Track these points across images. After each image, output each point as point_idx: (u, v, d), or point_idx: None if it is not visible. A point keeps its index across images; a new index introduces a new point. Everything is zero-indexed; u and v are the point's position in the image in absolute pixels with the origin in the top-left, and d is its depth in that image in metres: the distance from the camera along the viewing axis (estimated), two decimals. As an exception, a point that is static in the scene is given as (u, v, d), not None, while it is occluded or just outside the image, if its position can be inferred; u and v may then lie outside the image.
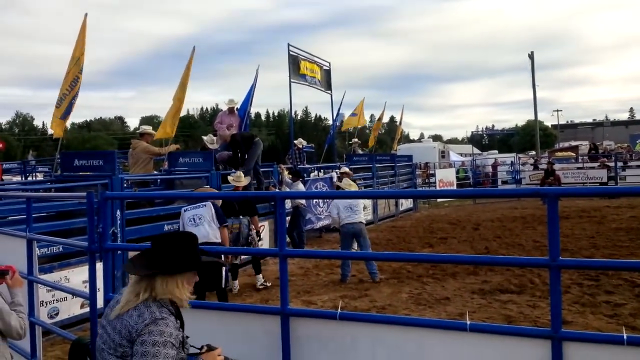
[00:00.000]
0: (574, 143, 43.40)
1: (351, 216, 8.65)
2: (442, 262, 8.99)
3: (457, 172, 25.03)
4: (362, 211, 9.01)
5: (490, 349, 2.44)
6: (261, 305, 6.27)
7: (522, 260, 6.32)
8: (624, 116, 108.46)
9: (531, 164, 25.75)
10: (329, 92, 16.09)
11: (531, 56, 36.56)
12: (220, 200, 7.31)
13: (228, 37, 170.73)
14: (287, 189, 10.98)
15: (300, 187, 11.32)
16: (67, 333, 4.36)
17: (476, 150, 42.37)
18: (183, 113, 13.91)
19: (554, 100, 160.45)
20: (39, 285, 4.51)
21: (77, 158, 8.19)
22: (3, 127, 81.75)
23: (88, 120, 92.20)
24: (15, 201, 6.82)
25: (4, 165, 18.19)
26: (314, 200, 12.57)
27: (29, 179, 16.49)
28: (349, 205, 8.68)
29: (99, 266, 3.51)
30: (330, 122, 20.70)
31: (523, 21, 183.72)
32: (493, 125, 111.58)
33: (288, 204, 10.62)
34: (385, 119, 34.78)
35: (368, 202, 14.11)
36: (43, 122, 79.24)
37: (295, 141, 15.06)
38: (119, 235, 7.15)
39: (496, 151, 46.59)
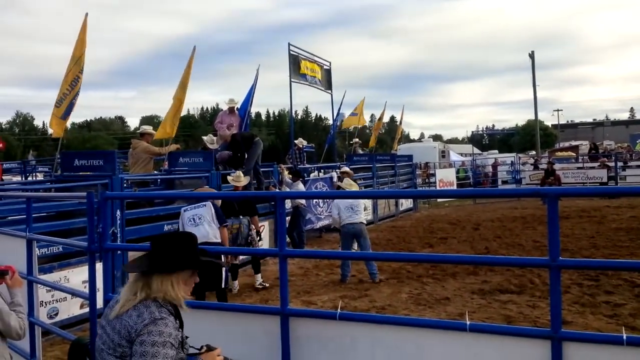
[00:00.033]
0: (574, 143, 43.40)
1: (352, 216, 8.64)
2: (442, 262, 8.99)
3: (457, 172, 25.03)
4: (362, 211, 9.00)
5: (490, 349, 2.44)
6: (261, 305, 6.28)
7: (522, 261, 6.33)
8: (624, 116, 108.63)
9: (531, 164, 25.75)
10: (330, 91, 16.09)
11: (532, 56, 36.55)
12: (220, 200, 7.31)
13: (228, 37, 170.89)
14: (287, 189, 10.98)
15: (300, 187, 11.32)
16: (67, 333, 4.36)
17: (476, 150, 42.39)
18: (183, 113, 13.91)
19: (554, 100, 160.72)
20: (39, 285, 4.51)
21: (77, 158, 8.18)
22: (3, 127, 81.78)
23: (88, 120, 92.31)
24: (15, 201, 6.82)
25: (4, 165, 18.19)
26: (314, 200, 12.56)
27: (29, 179, 16.48)
28: (350, 206, 8.67)
29: (99, 266, 3.51)
30: (331, 121, 20.71)
31: (523, 21, 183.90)
32: (493, 125, 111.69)
33: (288, 204, 10.61)
34: (386, 119, 34.80)
35: (368, 203, 14.11)
36: (43, 122, 79.31)
37: (295, 141, 15.06)
38: (118, 235, 7.15)
39: (496, 151, 46.60)
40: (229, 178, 8.73)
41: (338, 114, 19.22)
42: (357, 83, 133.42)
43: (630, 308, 6.56)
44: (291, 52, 13.84)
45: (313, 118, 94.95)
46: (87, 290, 3.67)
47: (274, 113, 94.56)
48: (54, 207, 7.22)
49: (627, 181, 21.36)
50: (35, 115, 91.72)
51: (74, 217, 7.19)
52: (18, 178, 17.35)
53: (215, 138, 11.41)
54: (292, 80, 13.75)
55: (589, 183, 20.89)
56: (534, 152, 38.13)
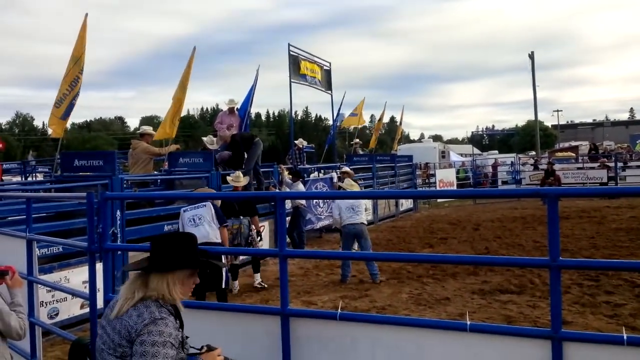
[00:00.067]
0: (574, 143, 43.45)
1: (353, 217, 8.64)
2: (442, 263, 8.98)
3: (457, 172, 25.03)
4: (363, 212, 9.00)
5: (490, 349, 2.44)
6: (261, 305, 6.27)
7: (522, 261, 6.32)
8: (624, 116, 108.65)
9: (531, 164, 25.74)
10: (329, 92, 16.08)
11: (531, 56, 36.55)
12: (220, 201, 7.31)
13: (228, 37, 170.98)
14: (287, 189, 10.98)
15: (300, 187, 11.32)
16: (67, 333, 4.36)
17: (476, 151, 42.40)
18: (183, 113, 13.90)
19: (554, 100, 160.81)
20: (39, 285, 4.51)
21: (77, 158, 8.18)
22: (3, 127, 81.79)
23: (88, 120, 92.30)
24: (15, 201, 6.82)
25: (4, 166, 18.19)
26: (314, 201, 12.57)
27: (29, 179, 16.48)
28: (351, 206, 8.67)
29: (99, 266, 3.50)
30: (331, 122, 20.70)
31: (523, 21, 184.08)
32: (493, 126, 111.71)
33: (288, 204, 10.62)
34: (386, 119, 34.82)
35: (368, 203, 14.11)
36: (43, 122, 79.27)
37: (295, 141, 15.06)
38: (119, 235, 7.15)
39: (496, 151, 46.62)
40: (229, 178, 8.73)
41: (338, 114, 19.22)
42: (357, 83, 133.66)
43: (630, 308, 6.57)
44: (291, 53, 13.84)
45: (313, 118, 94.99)
46: (87, 291, 3.67)
47: (274, 113, 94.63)
48: (54, 208, 7.22)
49: (627, 181, 21.35)
50: (35, 116, 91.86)
51: (74, 217, 7.19)
52: (18, 178, 17.36)
53: (215, 139, 11.41)
54: (292, 80, 13.75)
55: (589, 183, 20.89)
56: (533, 153, 38.13)
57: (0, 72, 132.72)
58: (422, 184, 24.03)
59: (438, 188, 20.58)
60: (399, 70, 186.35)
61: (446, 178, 21.74)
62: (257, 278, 8.53)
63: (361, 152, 19.90)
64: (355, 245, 9.00)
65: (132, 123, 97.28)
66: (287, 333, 2.88)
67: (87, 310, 4.62)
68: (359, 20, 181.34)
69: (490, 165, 27.04)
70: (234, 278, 8.34)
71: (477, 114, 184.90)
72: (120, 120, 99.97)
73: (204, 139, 11.69)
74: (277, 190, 10.66)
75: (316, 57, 15.27)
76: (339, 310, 2.81)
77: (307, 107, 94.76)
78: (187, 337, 2.53)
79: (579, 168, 23.13)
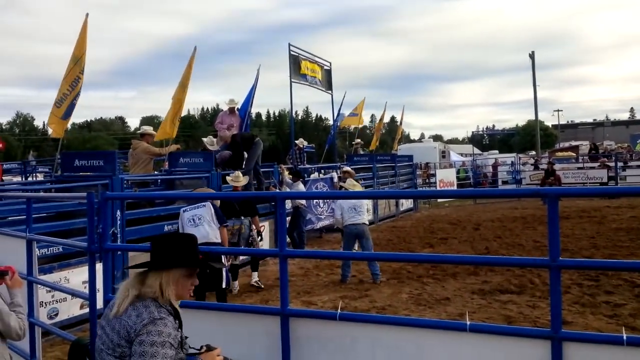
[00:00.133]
0: (574, 143, 43.42)
1: (354, 217, 8.63)
2: (443, 263, 8.98)
3: (458, 172, 25.04)
4: (365, 212, 8.98)
5: (490, 349, 2.43)
6: (261, 305, 6.28)
7: (522, 261, 6.32)
8: (625, 116, 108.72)
9: (531, 164, 25.74)
10: (330, 92, 16.08)
11: (532, 56, 36.54)
12: (219, 201, 7.31)
13: (228, 37, 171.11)
14: (288, 189, 10.98)
15: (300, 187, 11.32)
16: (67, 334, 4.36)
17: (477, 150, 42.43)
18: (183, 113, 13.90)
19: (554, 100, 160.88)
20: (39, 285, 4.51)
21: (77, 158, 8.18)
22: (3, 127, 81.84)
23: (88, 120, 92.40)
24: (15, 201, 6.82)
25: (4, 166, 18.19)
26: (314, 201, 12.56)
27: (29, 179, 16.48)
28: (353, 206, 8.66)
29: (99, 267, 3.51)
30: (331, 122, 20.70)
31: (523, 21, 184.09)
32: (493, 125, 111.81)
33: (288, 204, 10.61)
34: (386, 119, 34.82)
35: (369, 203, 14.10)
36: (43, 122, 79.22)
37: (296, 141, 15.06)
38: (119, 235, 7.15)
39: (497, 151, 46.62)
40: (228, 178, 8.73)
41: (338, 114, 19.22)
42: (357, 83, 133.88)
43: (630, 308, 6.56)
44: (291, 53, 13.84)
45: (313, 118, 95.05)
46: (87, 291, 3.67)
47: (274, 113, 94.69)
48: (54, 208, 7.22)
49: (627, 181, 21.34)
50: (35, 116, 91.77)
51: (74, 217, 7.19)
52: (18, 178, 17.36)
53: (215, 139, 11.41)
54: (293, 80, 13.74)
55: (589, 183, 20.88)
56: (534, 153, 38.11)
57: (0, 72, 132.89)
58: (423, 183, 24.02)
59: (438, 188, 20.57)
60: (399, 70, 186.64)
61: (446, 178, 21.74)
62: (255, 276, 8.53)
63: (362, 152, 19.90)
64: (356, 246, 8.99)
65: (133, 123, 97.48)
66: (287, 333, 2.87)
67: (86, 310, 4.62)
68: (359, 20, 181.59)
69: (491, 165, 27.04)
70: (234, 278, 8.34)
71: (478, 113, 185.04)
72: (121, 120, 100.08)
73: (204, 139, 11.69)
74: (278, 190, 10.66)
75: (316, 57, 15.26)
76: (339, 310, 2.81)
77: (307, 107, 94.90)
78: (186, 337, 2.52)
79: (579, 168, 23.12)
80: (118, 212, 7.23)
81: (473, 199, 20.52)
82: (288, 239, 9.34)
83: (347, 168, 12.08)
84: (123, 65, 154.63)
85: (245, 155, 10.66)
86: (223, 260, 6.91)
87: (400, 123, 28.17)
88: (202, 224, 6.74)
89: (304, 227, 11.44)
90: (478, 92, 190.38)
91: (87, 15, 9.13)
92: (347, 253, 8.27)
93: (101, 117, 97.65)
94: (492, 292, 7.54)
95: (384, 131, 30.66)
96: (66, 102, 8.95)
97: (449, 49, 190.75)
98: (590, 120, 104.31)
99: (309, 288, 8.30)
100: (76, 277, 6.47)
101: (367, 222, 9.02)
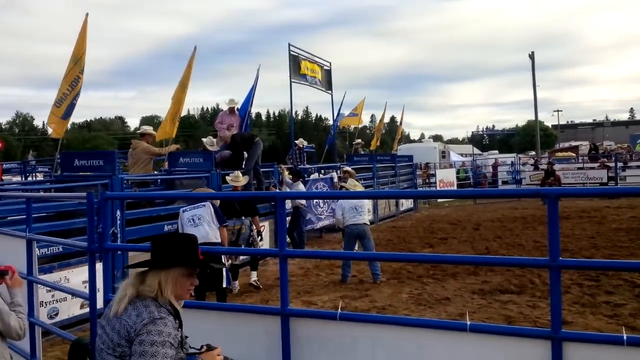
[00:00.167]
0: (574, 143, 43.42)
1: (355, 217, 8.62)
2: (443, 263, 8.98)
3: (458, 172, 25.03)
4: (366, 212, 8.98)
5: (490, 349, 2.43)
6: (261, 305, 6.27)
7: (522, 261, 6.31)
8: (624, 116, 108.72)
9: (531, 164, 25.74)
10: (330, 92, 16.08)
11: (532, 56, 36.54)
12: (219, 200, 7.30)
13: (228, 37, 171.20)
14: (288, 189, 10.98)
15: (300, 187, 11.32)
16: (67, 333, 4.36)
17: (476, 151, 42.43)
18: (183, 113, 13.92)
19: (554, 100, 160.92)
20: (39, 285, 4.51)
21: (77, 158, 8.18)
22: (3, 127, 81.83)
23: (88, 120, 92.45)
24: (15, 201, 6.81)
25: (4, 165, 18.17)
26: (314, 201, 12.56)
27: (29, 179, 16.48)
28: (354, 206, 8.65)
29: (99, 266, 3.50)
30: (331, 122, 20.70)
31: (523, 21, 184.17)
32: (493, 126, 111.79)
33: (288, 204, 10.61)
34: (386, 119, 34.83)
35: (369, 203, 14.10)
36: (43, 122, 79.22)
37: (296, 141, 15.06)
38: (119, 235, 7.15)
39: (496, 151, 46.63)
40: (228, 178, 8.73)
41: (338, 114, 19.22)
42: (357, 83, 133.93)
43: (630, 308, 6.56)
44: (291, 53, 13.84)
45: (313, 118, 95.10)
46: (87, 291, 3.66)
47: (274, 113, 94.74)
48: (54, 207, 7.21)
49: (627, 181, 21.34)
50: (35, 116, 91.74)
51: (74, 217, 7.19)
52: (18, 178, 17.35)
53: (214, 140, 11.42)
54: (292, 80, 13.74)
55: (589, 183, 20.88)
56: (534, 153, 38.11)
57: (0, 72, 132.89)
58: (423, 184, 24.01)
59: (438, 188, 20.56)
60: (399, 70, 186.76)
61: (446, 178, 21.73)
62: (254, 276, 8.53)
63: (362, 152, 19.89)
64: (356, 246, 8.99)
65: (132, 123, 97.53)
66: (287, 333, 2.87)
67: (87, 310, 4.62)
68: (359, 20, 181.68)
69: (491, 165, 27.04)
70: (234, 278, 8.34)
71: (478, 114, 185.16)
72: (121, 120, 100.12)
73: (204, 140, 11.69)
74: (277, 190, 10.66)
75: (316, 57, 15.27)
76: (339, 310, 2.81)
77: (307, 107, 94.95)
78: (186, 337, 2.52)
79: (579, 168, 23.12)
80: (118, 212, 7.23)
81: (473, 199, 20.51)
82: (288, 239, 9.34)
83: (348, 168, 12.08)
84: (123, 65, 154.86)
85: (245, 155, 10.66)
86: (223, 260, 6.90)
87: (400, 123, 28.21)
88: (202, 224, 6.74)
89: (304, 227, 11.45)
90: (478, 92, 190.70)
91: (86, 15, 9.14)
92: (347, 253, 8.27)
93: (101, 117, 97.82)
94: (492, 292, 7.54)
95: (384, 131, 30.65)
96: (66, 102, 8.94)
97: (449, 49, 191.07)
98: (590, 120, 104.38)
99: (309, 288, 8.30)
100: (76, 276, 6.47)
101: (368, 222, 9.02)
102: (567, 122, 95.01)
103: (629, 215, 14.67)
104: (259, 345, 2.97)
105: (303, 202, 11.08)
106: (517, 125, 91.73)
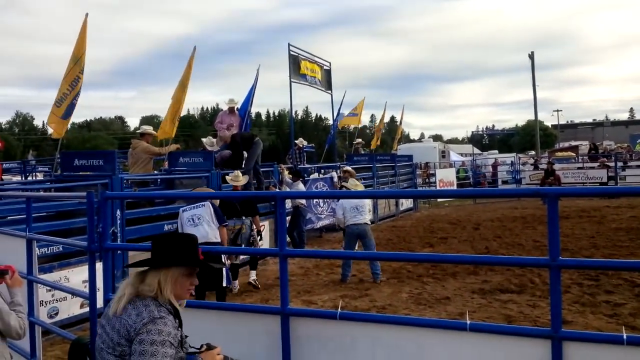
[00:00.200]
0: (574, 143, 43.41)
1: (356, 217, 8.62)
2: (443, 262, 8.98)
3: (458, 172, 25.03)
4: (367, 212, 8.97)
5: (490, 348, 2.43)
6: (261, 305, 6.27)
7: (522, 260, 6.32)
8: (624, 116, 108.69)
9: (531, 164, 25.75)
10: (330, 92, 16.08)
11: (531, 56, 36.55)
12: (218, 200, 7.31)
13: (228, 37, 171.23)
14: (288, 189, 10.98)
15: (300, 186, 11.32)
16: (67, 333, 4.36)
17: (476, 150, 42.41)
18: (183, 113, 13.93)
19: (554, 100, 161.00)
20: (39, 285, 4.51)
21: (77, 158, 8.18)
22: (3, 126, 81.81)
23: (88, 120, 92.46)
24: (15, 201, 6.82)
25: (4, 165, 18.16)
26: (314, 200, 12.57)
27: (29, 178, 16.48)
28: (355, 206, 8.64)
29: (99, 266, 3.50)
30: (331, 121, 20.70)
31: (523, 21, 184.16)
32: (493, 125, 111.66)
33: (288, 203, 10.61)
34: (386, 119, 34.82)
35: (369, 203, 14.09)
36: (43, 122, 79.25)
37: (295, 141, 15.06)
38: (118, 235, 7.15)
39: (496, 151, 46.64)
40: (228, 178, 8.73)
41: (338, 114, 19.22)
42: (357, 83, 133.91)
43: (630, 307, 6.56)
44: (291, 53, 13.84)
45: (313, 118, 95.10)
46: (87, 290, 3.66)
47: (274, 113, 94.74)
48: (54, 207, 7.21)
49: (627, 181, 21.35)
50: (35, 115, 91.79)
51: (74, 216, 7.19)
52: (18, 178, 17.35)
53: (214, 140, 11.42)
54: (292, 80, 13.74)
55: (589, 183, 20.89)
56: (533, 152, 38.13)
57: (0, 72, 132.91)
58: (422, 183, 24.01)
59: (438, 188, 20.56)
60: (399, 70, 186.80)
61: (446, 178, 21.73)
62: (253, 275, 8.52)
63: (363, 152, 19.90)
64: (356, 246, 8.98)
65: (132, 123, 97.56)
66: (287, 332, 2.87)
67: (87, 309, 4.62)
68: (359, 20, 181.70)
69: (490, 165, 27.05)
70: (234, 277, 8.34)
71: (477, 113, 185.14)
72: (121, 119, 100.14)
73: (204, 140, 11.70)
74: (277, 190, 10.66)
75: (316, 56, 15.27)
76: (339, 309, 2.80)
77: (307, 107, 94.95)
78: (186, 336, 2.52)
79: (579, 168, 23.13)
80: (118, 212, 7.24)
81: (473, 199, 20.52)
82: (288, 239, 9.33)
83: (348, 168, 12.07)
84: (123, 65, 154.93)
85: (245, 155, 10.67)
86: (223, 260, 6.90)
87: (400, 123, 28.23)
88: (202, 224, 6.74)
89: (304, 226, 11.45)
90: (478, 92, 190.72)
91: (86, 15, 9.14)
92: (347, 252, 8.26)
93: (101, 117, 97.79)
94: (492, 292, 7.54)
95: (383, 131, 30.66)
96: (66, 101, 8.94)
97: (448, 49, 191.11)
98: (589, 120, 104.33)
99: (309, 287, 8.31)
100: (76, 276, 6.48)
101: (369, 222, 9.01)
102: (567, 122, 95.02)
103: (629, 214, 14.68)
104: (259, 345, 2.97)
105: (303, 201, 11.08)
106: (517, 125, 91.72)
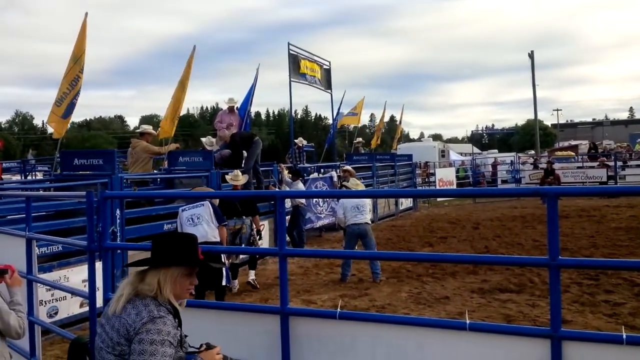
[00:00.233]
0: (573, 142, 43.47)
1: (357, 216, 8.61)
2: (442, 262, 8.97)
3: (457, 171, 25.04)
4: (368, 211, 8.97)
5: (489, 348, 2.43)
6: (261, 304, 6.27)
7: (522, 260, 6.32)
8: (624, 115, 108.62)
9: (531, 164, 25.74)
10: (329, 91, 16.08)
11: (531, 55, 36.56)
12: (218, 200, 7.30)
13: (228, 36, 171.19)
14: (287, 188, 10.98)
15: (300, 186, 11.32)
16: (67, 332, 4.36)
17: (476, 150, 42.39)
18: (183, 112, 13.94)
19: (553, 99, 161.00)
20: (38, 284, 4.51)
21: (76, 157, 8.18)
22: (3, 126, 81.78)
23: (88, 119, 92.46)
24: (15, 200, 6.82)
25: (4, 164, 18.14)
26: (314, 200, 12.57)
27: (29, 178, 16.48)
28: (356, 205, 8.63)
29: (99, 265, 3.50)
30: (330, 121, 20.71)
31: (523, 20, 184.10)
32: (493, 125, 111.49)
33: (288, 203, 10.61)
34: (385, 118, 34.82)
35: (369, 202, 14.08)
36: (43, 121, 79.15)
37: (295, 140, 15.05)
38: (118, 234, 7.15)
39: (496, 150, 46.63)
40: (227, 177, 8.73)
41: (338, 113, 19.22)
42: (357, 82, 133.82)
43: (629, 307, 6.56)
44: (291, 52, 13.83)
45: (313, 117, 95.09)
46: (86, 289, 3.66)
47: (273, 112, 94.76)
48: (54, 206, 7.21)
49: (627, 180, 21.37)
50: (34, 115, 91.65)
51: (74, 216, 7.19)
52: (17, 177, 17.35)
53: (214, 140, 11.42)
54: (292, 79, 13.74)
55: (589, 182, 20.89)
56: (533, 152, 38.14)
57: (0, 71, 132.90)
58: (422, 183, 24.02)
59: (438, 187, 20.57)
60: (398, 69, 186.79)
61: (446, 177, 21.75)
62: (252, 275, 8.52)
63: (363, 151, 19.90)
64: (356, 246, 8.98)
65: (132, 122, 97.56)
66: (287, 332, 2.87)
67: (86, 309, 4.63)
68: (359, 19, 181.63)
69: (490, 164, 27.05)
70: (234, 277, 8.34)
71: (477, 113, 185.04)
72: (120, 119, 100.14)
73: (203, 140, 11.69)
74: (277, 189, 10.66)
75: (316, 56, 15.27)
76: (339, 309, 2.80)
77: (306, 106, 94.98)
78: (186, 336, 2.52)
79: (578, 167, 23.15)
80: (117, 211, 7.23)
81: (472, 198, 20.51)
82: (287, 238, 9.34)
83: (348, 167, 12.07)
84: (123, 65, 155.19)
85: (245, 154, 10.67)
86: (223, 259, 6.91)
87: (400, 122, 28.26)
88: (201, 223, 6.74)
89: (304, 226, 11.44)
90: (477, 92, 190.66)
91: (86, 14, 9.13)
92: (346, 252, 8.25)
93: (100, 116, 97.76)
94: (491, 291, 7.54)
95: (383, 130, 30.67)
96: (66, 101, 8.94)
97: (448, 48, 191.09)
98: (589, 119, 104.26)
99: (309, 287, 8.31)
100: (76, 275, 6.48)
101: (370, 222, 9.01)
102: (567, 121, 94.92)
103: (629, 214, 14.69)
104: (259, 344, 2.97)
105: (303, 201, 11.08)
106: (516, 125, 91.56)
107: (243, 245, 8.00)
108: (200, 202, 6.87)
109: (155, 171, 10.70)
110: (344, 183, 10.46)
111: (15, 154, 53.09)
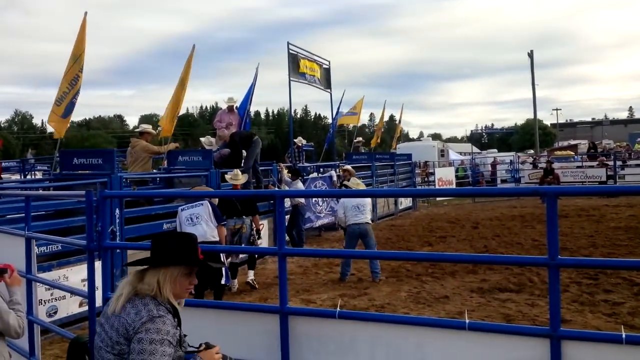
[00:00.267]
0: (573, 142, 43.49)
1: (357, 216, 8.61)
2: (441, 261, 8.98)
3: (457, 170, 25.04)
4: (368, 211, 8.96)
5: (489, 347, 2.44)
6: (260, 304, 6.28)
7: (521, 259, 6.31)
8: (623, 115, 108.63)
9: (530, 163, 25.74)
10: (329, 90, 16.07)
11: (530, 55, 36.55)
12: (217, 199, 7.30)
13: (228, 36, 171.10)
14: (287, 188, 10.98)
15: (299, 185, 11.32)
16: (66, 332, 4.36)
17: (475, 149, 42.39)
18: (182, 111, 13.93)
19: (553, 99, 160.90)
20: (38, 283, 4.51)
21: (76, 156, 8.18)
22: (2, 125, 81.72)
23: (87, 118, 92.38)
24: (14, 199, 6.81)
25: (3, 164, 18.14)
26: (313, 199, 12.57)
27: (28, 177, 16.46)
28: (357, 205, 8.63)
29: (98, 265, 3.50)
30: (330, 120, 20.70)
31: (523, 20, 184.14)
32: (492, 124, 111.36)
33: (287, 202, 10.61)
34: (385, 118, 34.83)
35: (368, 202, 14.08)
36: (42, 120, 79.24)
37: (295, 140, 15.05)
38: (117, 233, 7.15)
39: (495, 150, 46.65)
40: (227, 177, 8.73)
41: (337, 112, 19.21)
42: (357, 82, 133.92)
43: (629, 307, 6.57)
44: (290, 51, 13.83)
45: (312, 117, 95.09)
46: (86, 289, 3.67)
47: (273, 112, 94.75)
48: (53, 206, 7.21)
49: (626, 180, 21.37)
50: (34, 114, 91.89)
51: (73, 215, 7.19)
52: (17, 176, 17.34)
53: (213, 140, 11.42)
54: (292, 79, 13.74)
55: (588, 182, 20.90)
56: (532, 151, 38.13)
57: (0, 71, 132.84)
58: (421, 182, 24.02)
59: (437, 186, 20.57)
60: (398, 68, 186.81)
61: (445, 176, 21.75)
62: (251, 274, 8.52)
63: (363, 151, 19.89)
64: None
65: (132, 121, 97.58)
66: (286, 331, 2.87)
67: (86, 308, 4.63)
68: (359, 19, 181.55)
69: (490, 163, 27.05)
70: (233, 276, 8.34)
71: (477, 112, 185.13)
72: (120, 118, 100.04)
73: (202, 139, 11.69)
74: (276, 189, 10.66)
75: (315, 55, 15.26)
76: (338, 308, 2.81)
77: (306, 106, 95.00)
78: (185, 335, 2.52)
79: (578, 167, 23.15)
80: (117, 210, 7.23)
81: (472, 198, 20.52)
82: (287, 238, 9.34)
83: (348, 167, 12.07)
84: (122, 64, 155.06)
85: (244, 153, 10.67)
86: (222, 259, 6.90)
87: (399, 122, 28.21)
88: (200, 223, 6.74)
89: (303, 225, 11.45)
90: (477, 91, 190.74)
91: (85, 13, 9.12)
92: (346, 251, 8.26)
93: (100, 116, 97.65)
94: (491, 291, 7.54)
95: (383, 130, 30.67)
96: (66, 100, 8.93)
97: (448, 48, 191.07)
98: (589, 119, 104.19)
99: (308, 286, 8.31)
100: (75, 275, 6.48)
101: (370, 221, 9.01)
102: (566, 120, 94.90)
103: (628, 213, 14.69)
104: (258, 344, 2.97)
105: (302, 200, 11.08)
106: (516, 124, 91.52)
107: (243, 245, 8.00)
108: (200, 202, 6.87)
109: (154, 170, 10.69)
110: (344, 182, 10.46)
111: (14, 153, 53.08)
